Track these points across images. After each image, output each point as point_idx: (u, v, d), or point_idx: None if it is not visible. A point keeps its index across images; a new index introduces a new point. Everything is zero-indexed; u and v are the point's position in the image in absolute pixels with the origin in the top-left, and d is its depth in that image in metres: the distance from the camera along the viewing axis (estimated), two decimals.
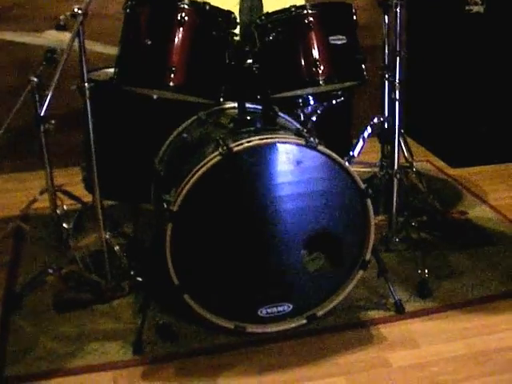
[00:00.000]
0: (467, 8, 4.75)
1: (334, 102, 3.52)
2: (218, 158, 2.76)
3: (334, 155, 2.87)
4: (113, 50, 3.13)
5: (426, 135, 5.51)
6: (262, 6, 3.76)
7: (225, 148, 2.76)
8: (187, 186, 2.76)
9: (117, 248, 3.28)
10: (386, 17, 3.81)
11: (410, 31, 5.46)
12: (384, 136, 3.96)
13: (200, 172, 2.75)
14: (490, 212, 4.28)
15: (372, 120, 3.96)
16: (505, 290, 3.37)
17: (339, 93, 3.52)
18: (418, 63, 5.39)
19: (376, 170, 4.00)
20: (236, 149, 2.77)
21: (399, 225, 3.73)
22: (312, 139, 2.83)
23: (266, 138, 2.84)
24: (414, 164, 4.01)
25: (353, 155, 3.87)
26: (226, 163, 2.78)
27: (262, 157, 2.83)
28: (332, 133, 3.71)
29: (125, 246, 3.52)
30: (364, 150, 3.96)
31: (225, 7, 3.01)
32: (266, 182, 2.86)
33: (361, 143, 3.91)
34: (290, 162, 2.85)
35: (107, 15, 4.80)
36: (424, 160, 5.21)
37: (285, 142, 2.84)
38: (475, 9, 4.75)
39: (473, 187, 4.69)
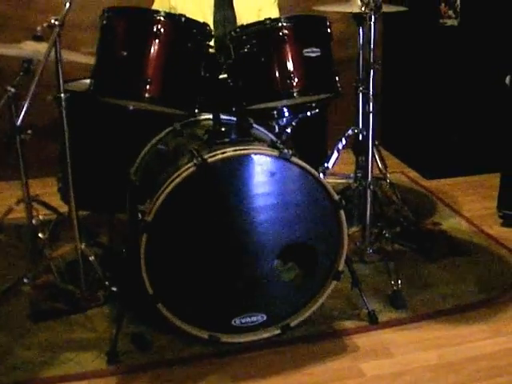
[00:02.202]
0: (441, 21, 4.81)
1: (308, 113, 3.54)
2: (193, 168, 2.78)
3: (308, 167, 2.89)
4: (89, 60, 3.14)
5: (401, 147, 5.56)
6: (235, 18, 3.79)
7: (199, 159, 2.78)
8: (161, 197, 2.77)
9: (92, 258, 3.28)
10: (361, 30, 3.85)
11: (385, 44, 5.51)
12: (358, 148, 3.99)
13: (174, 183, 2.77)
14: (463, 223, 4.32)
15: (346, 132, 3.99)
16: (477, 300, 3.41)
17: (314, 105, 3.53)
18: (392, 76, 5.44)
19: (350, 181, 4.03)
20: (210, 160, 2.79)
21: (373, 236, 3.75)
22: (286, 151, 2.86)
23: (241, 150, 2.86)
24: (388, 175, 4.05)
25: (327, 167, 3.89)
26: (200, 174, 2.79)
27: (236, 168, 2.85)
28: (307, 144, 3.73)
29: (100, 256, 3.51)
30: (339, 162, 3.98)
31: (199, 19, 3.03)
32: (240, 193, 2.87)
33: (335, 155, 3.93)
34: (263, 173, 2.87)
35: (84, 26, 4.80)
36: (398, 171, 5.27)
37: (259, 154, 2.86)
38: (449, 22, 4.81)
39: (446, 198, 4.74)
